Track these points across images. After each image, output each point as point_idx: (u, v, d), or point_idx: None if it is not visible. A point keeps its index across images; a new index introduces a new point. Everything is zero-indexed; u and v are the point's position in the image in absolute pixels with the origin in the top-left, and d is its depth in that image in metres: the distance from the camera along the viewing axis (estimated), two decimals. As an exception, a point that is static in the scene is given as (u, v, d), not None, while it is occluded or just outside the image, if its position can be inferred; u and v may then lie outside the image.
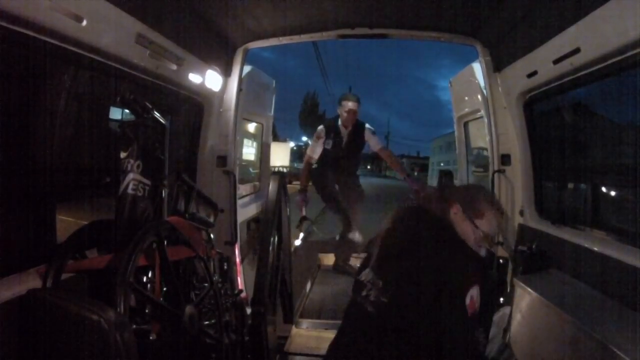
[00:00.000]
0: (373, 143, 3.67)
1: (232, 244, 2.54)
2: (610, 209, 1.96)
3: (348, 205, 3.69)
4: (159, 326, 1.24)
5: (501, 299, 2.23)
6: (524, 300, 1.85)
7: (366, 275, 1.23)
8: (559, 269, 1.96)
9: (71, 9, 1.25)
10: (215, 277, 1.70)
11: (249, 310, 2.01)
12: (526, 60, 2.07)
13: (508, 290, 2.23)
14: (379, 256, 1.25)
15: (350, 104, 3.50)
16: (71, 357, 1.03)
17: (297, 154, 27.44)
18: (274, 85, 3.48)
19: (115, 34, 1.51)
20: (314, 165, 3.68)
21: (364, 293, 1.19)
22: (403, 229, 1.28)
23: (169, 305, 1.27)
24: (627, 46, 1.38)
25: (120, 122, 1.42)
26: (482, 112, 2.66)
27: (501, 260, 2.14)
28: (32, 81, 1.29)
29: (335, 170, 3.68)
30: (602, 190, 2.00)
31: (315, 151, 3.61)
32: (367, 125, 3.66)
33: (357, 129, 3.61)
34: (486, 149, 2.88)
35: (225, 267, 2.07)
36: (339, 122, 3.60)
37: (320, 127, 3.66)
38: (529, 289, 1.81)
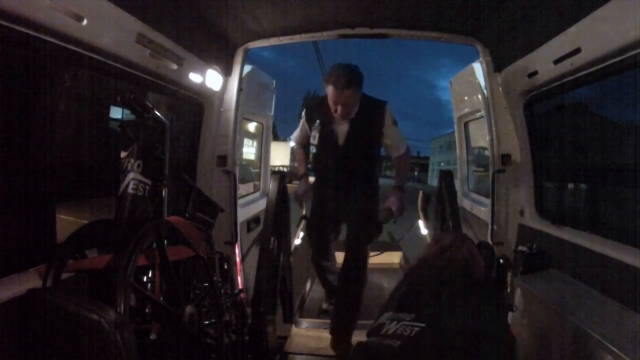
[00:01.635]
0: (394, 144, 2.32)
1: (232, 244, 2.54)
2: (610, 209, 1.96)
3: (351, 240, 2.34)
4: (159, 326, 1.24)
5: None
6: (524, 300, 1.85)
7: (387, 316, 1.26)
8: (559, 269, 1.96)
9: (71, 8, 1.25)
10: (215, 277, 1.70)
11: (249, 310, 2.01)
12: (526, 60, 2.07)
13: (508, 290, 2.23)
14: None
15: (333, 91, 2.07)
16: (71, 357, 1.03)
17: (297, 154, 27.35)
18: (274, 85, 3.48)
19: (116, 33, 1.51)
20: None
21: (383, 331, 1.20)
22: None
23: (169, 305, 1.27)
24: (627, 46, 1.38)
25: (121, 122, 1.42)
26: (483, 112, 2.66)
27: (501, 260, 2.14)
28: (32, 81, 1.29)
29: (333, 185, 2.34)
30: (602, 191, 2.00)
31: (297, 138, 2.51)
32: (387, 108, 2.26)
33: (368, 112, 2.22)
34: (486, 149, 2.88)
35: (225, 267, 2.06)
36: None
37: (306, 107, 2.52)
38: (529, 289, 1.81)
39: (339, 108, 2.12)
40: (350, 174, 2.30)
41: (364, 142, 2.28)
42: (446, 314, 1.16)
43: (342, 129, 2.25)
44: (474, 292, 1.25)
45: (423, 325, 1.14)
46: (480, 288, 1.31)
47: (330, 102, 2.14)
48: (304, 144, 2.50)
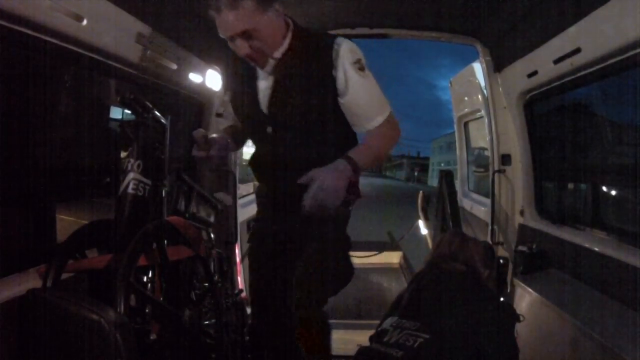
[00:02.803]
0: (360, 107, 1.21)
1: (232, 243, 2.54)
2: (611, 209, 1.96)
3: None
4: (159, 326, 1.24)
5: (501, 299, 2.24)
6: (524, 300, 1.86)
7: (391, 322, 1.25)
8: (559, 269, 1.96)
9: (71, 8, 1.25)
10: (215, 277, 1.70)
11: (249, 310, 2.01)
12: (526, 60, 2.07)
13: (508, 290, 2.24)
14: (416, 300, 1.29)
15: (216, 18, 1.23)
16: (71, 357, 1.03)
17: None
18: None
19: (116, 33, 1.51)
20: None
21: (385, 338, 1.19)
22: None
23: (169, 305, 1.27)
24: (627, 46, 1.38)
25: (120, 122, 1.41)
26: (483, 112, 2.66)
27: (501, 260, 2.14)
28: (32, 81, 1.29)
29: (269, 192, 1.45)
30: (602, 190, 2.00)
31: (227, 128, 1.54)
32: (342, 43, 1.19)
33: (305, 51, 1.21)
34: (486, 149, 2.88)
35: (225, 267, 2.06)
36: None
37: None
38: (529, 289, 1.82)
39: (236, 45, 1.20)
40: (290, 169, 1.21)
41: (305, 104, 1.22)
42: (451, 325, 1.14)
43: (263, 84, 1.27)
44: (482, 301, 1.24)
45: (427, 336, 1.13)
46: (488, 296, 1.29)
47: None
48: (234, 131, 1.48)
